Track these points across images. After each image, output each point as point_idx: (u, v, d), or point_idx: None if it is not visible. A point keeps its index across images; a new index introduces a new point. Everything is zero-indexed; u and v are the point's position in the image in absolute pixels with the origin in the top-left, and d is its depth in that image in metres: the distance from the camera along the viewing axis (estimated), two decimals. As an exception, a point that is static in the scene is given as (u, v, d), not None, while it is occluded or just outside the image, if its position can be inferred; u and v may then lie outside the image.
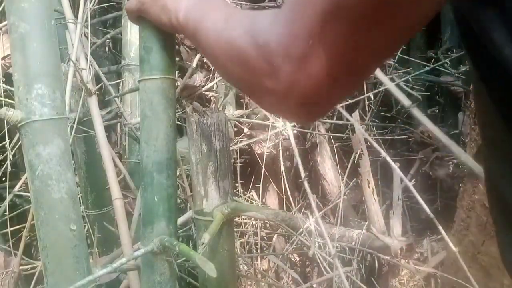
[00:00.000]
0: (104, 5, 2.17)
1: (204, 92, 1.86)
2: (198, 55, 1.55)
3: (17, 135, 1.17)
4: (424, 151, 2.36)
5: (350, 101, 1.82)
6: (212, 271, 0.74)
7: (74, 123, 1.26)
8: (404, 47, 2.29)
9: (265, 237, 2.15)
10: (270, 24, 0.47)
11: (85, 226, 1.25)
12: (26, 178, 0.97)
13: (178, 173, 1.17)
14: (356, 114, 1.85)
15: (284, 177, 1.81)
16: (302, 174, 1.30)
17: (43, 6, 0.94)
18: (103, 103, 2.01)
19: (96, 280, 0.91)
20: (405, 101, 1.05)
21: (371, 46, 0.42)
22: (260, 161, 1.98)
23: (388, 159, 1.28)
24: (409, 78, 2.17)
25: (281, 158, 1.88)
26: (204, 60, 1.90)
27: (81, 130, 1.37)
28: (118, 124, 1.96)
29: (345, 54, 0.43)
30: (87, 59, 1.28)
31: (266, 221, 2.01)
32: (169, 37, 0.82)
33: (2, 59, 1.53)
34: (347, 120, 1.78)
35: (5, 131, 1.52)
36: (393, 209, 1.77)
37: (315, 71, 0.44)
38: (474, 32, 0.39)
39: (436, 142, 2.38)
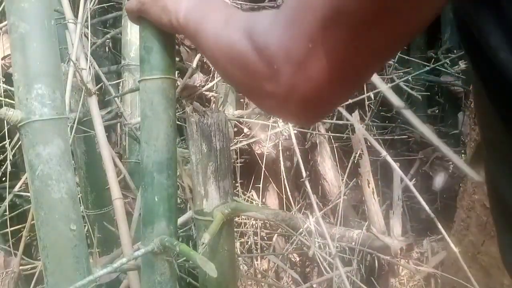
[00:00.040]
0: (104, 5, 2.17)
1: (204, 92, 1.86)
2: (198, 55, 1.55)
3: (17, 135, 1.17)
4: (424, 151, 2.37)
5: (350, 101, 1.82)
6: (213, 271, 0.74)
7: (74, 123, 1.26)
8: (404, 47, 2.30)
9: (265, 237, 2.15)
10: (270, 27, 0.47)
11: (85, 226, 1.25)
12: (26, 178, 0.97)
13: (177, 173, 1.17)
14: (356, 114, 1.85)
15: (284, 177, 1.81)
16: (304, 174, 1.30)
17: (43, 6, 0.94)
18: (103, 103, 2.01)
19: (96, 280, 0.91)
20: (397, 102, 1.04)
21: (370, 50, 0.42)
22: (260, 161, 1.98)
23: (389, 158, 1.28)
24: (409, 78, 2.17)
25: (281, 158, 1.88)
26: (204, 60, 1.90)
27: (81, 130, 1.37)
28: (118, 124, 1.95)
29: (345, 58, 0.43)
30: (87, 59, 1.28)
31: (266, 221, 2.01)
32: (169, 37, 0.82)
33: (2, 59, 1.53)
34: (347, 120, 1.78)
35: (5, 131, 1.52)
36: (393, 209, 1.77)
37: (315, 74, 0.44)
38: (472, 34, 0.39)
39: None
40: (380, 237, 1.71)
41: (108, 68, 2.21)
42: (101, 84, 1.60)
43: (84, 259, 0.95)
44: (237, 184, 2.05)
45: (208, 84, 1.87)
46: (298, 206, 2.06)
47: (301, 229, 1.62)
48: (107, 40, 2.09)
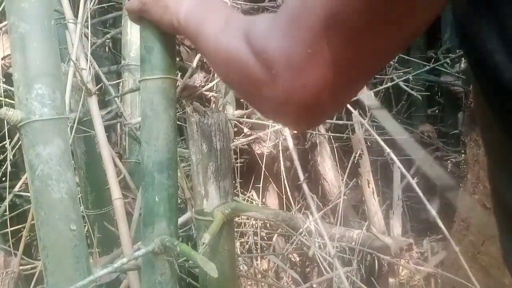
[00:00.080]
0: (104, 5, 2.17)
1: (204, 92, 1.86)
2: (198, 55, 1.55)
3: (17, 135, 1.17)
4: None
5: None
6: (213, 271, 0.74)
7: (74, 123, 1.26)
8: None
9: (265, 237, 2.15)
10: (268, 31, 0.47)
11: (85, 226, 1.25)
12: (26, 178, 0.97)
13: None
14: (356, 114, 1.85)
15: (284, 177, 1.81)
16: (301, 177, 1.30)
17: (43, 6, 0.94)
18: (103, 103, 2.01)
19: (96, 280, 0.91)
20: (368, 101, 1.04)
21: (368, 56, 0.43)
22: (260, 161, 1.98)
23: (392, 155, 1.28)
24: (409, 78, 2.17)
25: (281, 158, 1.88)
26: (204, 60, 1.90)
27: (81, 130, 1.37)
28: (118, 124, 1.95)
29: (342, 64, 0.43)
30: (87, 59, 1.28)
31: (266, 221, 2.01)
32: (170, 37, 0.82)
33: (2, 59, 1.53)
34: (347, 120, 1.78)
35: (5, 131, 1.52)
36: (393, 209, 1.77)
37: (312, 79, 0.44)
38: (470, 36, 0.39)
39: (436, 142, 2.38)
40: (380, 237, 1.71)
41: (108, 68, 2.21)
42: (101, 84, 1.60)
43: (84, 259, 0.95)
44: (237, 184, 2.05)
45: (208, 84, 1.87)
46: (298, 206, 2.06)
47: (301, 229, 1.62)
48: (107, 40, 2.09)
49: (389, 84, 2.07)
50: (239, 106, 2.05)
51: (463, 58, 2.37)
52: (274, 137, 1.97)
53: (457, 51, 2.43)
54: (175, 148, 0.85)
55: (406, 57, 2.43)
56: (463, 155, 2.30)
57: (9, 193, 1.52)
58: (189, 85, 1.73)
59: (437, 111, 2.83)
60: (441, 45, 2.64)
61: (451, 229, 1.52)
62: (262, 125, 1.96)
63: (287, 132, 1.57)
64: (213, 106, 1.91)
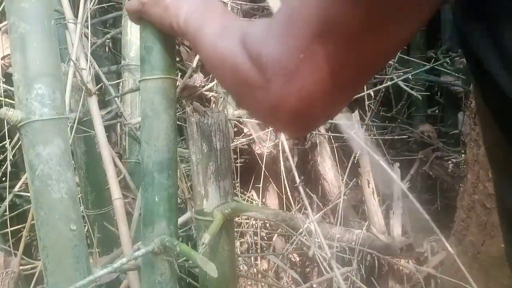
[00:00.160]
0: (104, 5, 2.17)
1: (204, 92, 1.86)
2: (198, 55, 1.55)
3: (17, 135, 1.17)
4: (424, 151, 2.37)
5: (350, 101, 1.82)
6: (213, 271, 0.74)
7: (74, 123, 1.26)
8: (404, 47, 2.30)
9: (265, 237, 2.15)
10: (263, 37, 0.47)
11: (85, 226, 1.25)
12: (26, 178, 0.97)
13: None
14: (356, 114, 1.85)
15: (284, 177, 1.81)
16: (297, 179, 1.30)
17: (43, 6, 0.94)
18: (103, 103, 2.01)
19: (96, 280, 0.91)
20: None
21: (361, 62, 0.43)
22: (260, 161, 1.98)
23: (383, 164, 1.28)
24: (409, 78, 2.17)
25: (281, 158, 1.88)
26: (204, 61, 1.90)
27: (81, 130, 1.37)
28: (118, 124, 1.95)
29: (335, 70, 0.43)
30: (87, 59, 1.28)
31: (266, 221, 2.01)
32: (169, 37, 0.82)
33: (2, 59, 1.53)
34: (348, 120, 1.78)
35: (5, 131, 1.52)
36: (393, 209, 1.77)
37: (305, 85, 0.44)
38: (468, 44, 0.39)
39: (436, 142, 2.39)
40: (380, 237, 1.71)
41: (108, 68, 2.21)
42: (101, 84, 1.60)
43: (84, 259, 0.95)
44: (237, 184, 2.05)
45: (208, 84, 1.87)
46: (298, 206, 2.06)
47: (301, 229, 1.62)
48: (107, 40, 2.08)
49: (389, 84, 2.07)
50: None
51: (462, 58, 2.38)
52: (274, 137, 1.97)
53: (458, 51, 2.43)
54: (175, 148, 0.85)
55: (406, 57, 2.44)
56: (463, 155, 2.30)
57: (9, 193, 1.52)
58: (189, 85, 1.73)
59: (437, 111, 2.83)
60: (441, 45, 2.64)
61: (451, 229, 1.52)
62: (262, 125, 1.96)
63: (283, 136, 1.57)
64: (213, 106, 1.91)
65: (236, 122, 1.98)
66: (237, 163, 2.05)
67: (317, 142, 2.10)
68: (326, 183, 2.11)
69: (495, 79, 0.36)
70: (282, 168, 1.81)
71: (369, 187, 1.80)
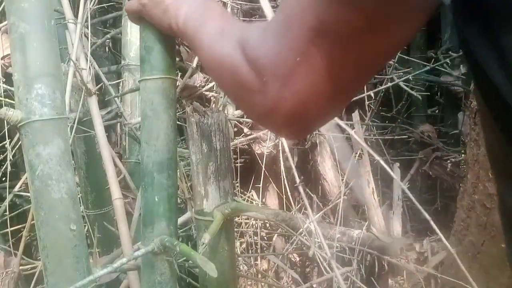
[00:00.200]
0: (104, 5, 2.17)
1: (204, 92, 1.86)
2: (198, 55, 1.55)
3: (17, 135, 1.17)
4: (424, 151, 2.37)
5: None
6: (213, 271, 0.74)
7: (74, 123, 1.26)
8: (404, 47, 2.30)
9: (265, 237, 2.15)
10: (260, 40, 0.48)
11: (85, 226, 1.25)
12: (26, 178, 0.97)
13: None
14: (356, 114, 1.85)
15: (284, 177, 1.81)
16: (297, 179, 1.30)
17: (43, 6, 0.94)
18: (103, 103, 2.01)
19: (96, 280, 0.91)
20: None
21: (357, 65, 0.43)
22: (260, 161, 1.98)
23: (382, 163, 1.28)
24: (409, 78, 2.17)
25: (281, 158, 1.88)
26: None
27: (81, 130, 1.37)
28: (118, 124, 1.95)
29: (331, 73, 0.43)
30: (87, 59, 1.28)
31: (266, 221, 2.01)
32: (169, 37, 0.82)
33: (2, 59, 1.53)
34: (347, 120, 1.78)
35: (5, 131, 1.52)
36: (393, 209, 1.77)
37: (301, 88, 0.44)
38: (469, 49, 0.39)
39: (436, 142, 2.39)
40: (380, 237, 1.71)
41: (108, 68, 2.21)
42: (101, 84, 1.60)
43: (84, 259, 0.95)
44: (237, 184, 2.05)
45: (208, 84, 1.87)
46: (298, 206, 2.06)
47: (301, 229, 1.62)
48: (107, 40, 2.08)
49: (389, 84, 2.07)
50: (239, 106, 2.05)
51: (463, 59, 2.38)
52: (274, 137, 1.97)
53: (459, 51, 2.43)
54: (175, 148, 0.85)
55: (406, 57, 2.44)
56: (463, 155, 2.30)
57: (9, 193, 1.52)
58: (189, 85, 1.73)
59: (437, 111, 2.83)
60: (441, 45, 2.64)
61: (451, 229, 1.52)
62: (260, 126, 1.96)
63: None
64: (213, 106, 1.91)
65: (236, 122, 1.98)
66: (237, 163, 2.05)
67: (317, 142, 2.10)
68: (326, 183, 2.11)
69: (496, 86, 0.36)
70: (282, 168, 1.81)
71: (369, 187, 1.80)
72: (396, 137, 2.39)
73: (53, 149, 0.92)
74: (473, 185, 1.37)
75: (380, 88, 2.05)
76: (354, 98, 1.90)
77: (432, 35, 2.70)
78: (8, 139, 1.47)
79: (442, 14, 2.55)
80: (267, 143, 1.97)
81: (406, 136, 2.44)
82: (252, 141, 2.00)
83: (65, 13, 1.29)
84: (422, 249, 1.68)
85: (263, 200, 2.16)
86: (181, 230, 1.76)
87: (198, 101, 1.83)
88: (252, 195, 2.15)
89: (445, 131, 2.59)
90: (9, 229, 1.52)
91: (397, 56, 2.06)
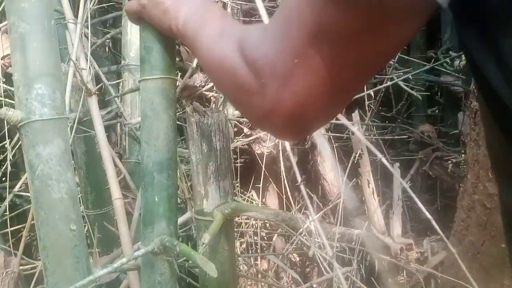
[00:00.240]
0: (104, 5, 2.17)
1: (204, 92, 1.86)
2: (198, 55, 1.55)
3: (17, 135, 1.17)
4: (424, 151, 2.37)
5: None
6: (213, 271, 0.74)
7: (74, 123, 1.26)
8: (404, 47, 2.30)
9: (265, 237, 2.15)
10: (258, 41, 0.48)
11: (85, 226, 1.25)
12: (26, 178, 0.97)
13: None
14: (356, 114, 1.85)
15: (284, 177, 1.81)
16: (299, 178, 1.30)
17: (43, 6, 0.94)
18: (103, 103, 2.01)
19: (96, 280, 0.91)
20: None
21: (355, 66, 0.43)
22: (260, 161, 1.98)
23: (385, 161, 1.28)
24: (409, 78, 2.17)
25: (281, 158, 1.88)
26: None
27: (81, 130, 1.37)
28: (118, 124, 1.95)
29: (329, 74, 0.43)
30: (87, 59, 1.28)
31: (266, 221, 2.01)
32: (169, 37, 0.82)
33: (2, 59, 1.53)
34: (348, 120, 1.78)
35: (5, 131, 1.52)
36: (393, 209, 1.77)
37: (300, 89, 0.44)
38: (469, 53, 0.39)
39: (436, 142, 2.39)
40: (380, 237, 1.71)
41: (108, 68, 2.21)
42: (101, 84, 1.60)
43: (84, 259, 0.95)
44: (237, 184, 2.05)
45: (208, 84, 1.87)
46: (298, 206, 2.06)
47: (301, 229, 1.62)
48: (107, 40, 2.08)
49: (389, 84, 2.07)
50: (239, 106, 2.05)
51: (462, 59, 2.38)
52: (274, 137, 1.97)
53: (460, 52, 2.43)
54: (175, 148, 0.85)
55: (406, 57, 2.44)
56: (463, 155, 2.30)
57: (9, 193, 1.52)
58: (189, 85, 1.73)
59: (437, 111, 2.83)
60: (441, 45, 2.64)
61: (451, 229, 1.52)
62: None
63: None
64: (213, 106, 1.91)
65: (236, 122, 1.98)
66: (237, 163, 2.05)
67: (317, 142, 2.10)
68: (326, 183, 2.11)
69: (495, 90, 0.36)
70: (282, 168, 1.81)
71: (369, 187, 1.80)
72: (396, 137, 2.39)
73: (53, 149, 0.92)
74: (473, 185, 1.37)
75: (380, 87, 2.05)
76: (354, 98, 1.90)
77: (432, 35, 2.70)
78: (8, 139, 1.47)
79: (442, 14, 2.55)
80: (267, 143, 1.97)
81: (406, 136, 2.44)
82: (252, 141, 2.00)
83: (65, 13, 1.29)
84: (422, 249, 1.68)
85: (263, 200, 2.16)
86: (181, 230, 1.76)
87: (198, 101, 1.83)
88: (252, 195, 2.15)
89: (445, 131, 2.59)
90: (9, 229, 1.52)
91: (397, 56, 2.06)
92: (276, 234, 2.11)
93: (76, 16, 1.31)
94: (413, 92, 2.13)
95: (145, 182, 0.83)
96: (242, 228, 2.09)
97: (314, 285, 1.73)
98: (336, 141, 2.14)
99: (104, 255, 1.47)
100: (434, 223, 1.15)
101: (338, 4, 0.39)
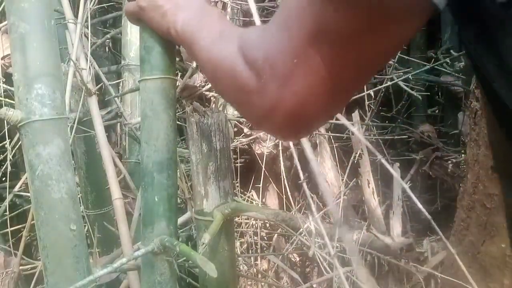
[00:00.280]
0: (104, 5, 2.17)
1: (204, 92, 1.86)
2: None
3: (17, 135, 1.17)
4: (424, 151, 2.37)
5: (350, 100, 1.82)
6: (213, 271, 0.74)
7: (74, 123, 1.26)
8: (404, 47, 2.30)
9: (265, 237, 2.15)
10: (258, 41, 0.48)
11: (85, 226, 1.25)
12: (26, 178, 0.97)
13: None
14: (356, 114, 1.85)
15: (284, 177, 1.81)
16: (301, 176, 1.30)
17: (43, 6, 0.94)
18: (103, 103, 2.01)
19: (96, 280, 0.91)
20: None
21: (356, 65, 0.43)
22: (260, 161, 1.98)
23: (384, 162, 1.28)
24: (409, 78, 2.17)
25: (281, 158, 1.88)
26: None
27: (81, 130, 1.37)
28: (118, 124, 1.95)
29: (330, 73, 0.43)
30: (87, 59, 1.28)
31: (266, 221, 2.01)
32: (169, 37, 0.82)
33: (2, 59, 1.53)
34: (347, 120, 1.78)
35: (5, 131, 1.52)
36: (393, 209, 1.77)
37: (299, 89, 0.44)
38: (471, 54, 0.39)
39: (436, 142, 2.39)
40: (380, 237, 1.71)
41: (108, 68, 2.21)
42: (101, 84, 1.60)
43: (84, 259, 0.95)
44: (237, 184, 2.05)
45: (208, 84, 1.87)
46: (298, 206, 2.06)
47: (301, 229, 1.62)
48: (107, 40, 2.09)
49: (389, 84, 2.07)
50: (239, 106, 2.05)
51: (463, 59, 2.38)
52: (274, 137, 1.97)
53: (460, 52, 2.43)
54: (175, 148, 0.85)
55: (406, 57, 2.43)
56: (463, 155, 2.30)
57: (9, 193, 1.52)
58: (189, 85, 1.73)
59: (437, 111, 2.83)
60: (441, 45, 2.64)
61: (451, 229, 1.52)
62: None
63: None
64: (213, 106, 1.91)
65: (236, 122, 1.98)
66: (237, 163, 2.05)
67: (317, 142, 2.10)
68: (326, 183, 2.11)
69: (494, 89, 0.36)
70: (282, 168, 1.81)
71: (369, 187, 1.80)
72: (396, 137, 2.39)
73: (53, 149, 0.92)
74: (473, 185, 1.37)
75: (380, 87, 2.05)
76: (354, 98, 1.90)
77: (432, 35, 2.70)
78: (8, 139, 1.47)
79: (442, 14, 2.55)
80: (267, 143, 1.97)
81: (406, 136, 2.44)
82: (252, 141, 2.00)
83: (65, 13, 1.29)
84: (422, 249, 1.68)
85: (263, 200, 2.16)
86: (181, 230, 1.76)
87: (198, 101, 1.83)
88: (252, 195, 2.15)
89: (445, 131, 2.59)
90: (9, 229, 1.52)
91: (397, 56, 2.06)
92: (276, 234, 2.11)
93: (76, 16, 1.31)
94: (413, 92, 2.13)
95: (145, 182, 0.83)
96: (242, 228, 2.09)
97: (314, 285, 1.73)
98: (336, 141, 2.14)
99: (104, 255, 1.47)
100: (434, 223, 1.15)
101: (338, 4, 0.39)
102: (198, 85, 1.84)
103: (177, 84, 1.02)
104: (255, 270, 2.05)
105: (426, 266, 1.61)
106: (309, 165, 2.14)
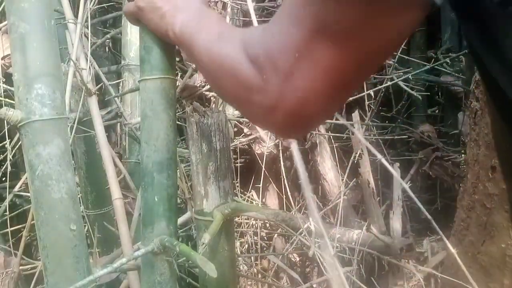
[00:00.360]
0: (104, 5, 2.17)
1: (204, 92, 1.86)
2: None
3: (17, 135, 1.17)
4: (424, 151, 2.37)
5: (350, 100, 1.82)
6: (213, 271, 0.74)
7: (74, 123, 1.26)
8: (404, 47, 2.30)
9: (265, 237, 2.15)
10: (260, 38, 0.48)
11: (85, 226, 1.25)
12: (26, 178, 0.97)
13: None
14: (356, 114, 1.85)
15: (284, 177, 1.81)
16: (301, 175, 1.30)
17: (43, 6, 0.94)
18: (103, 103, 2.01)
19: (96, 280, 0.91)
20: None
21: (356, 60, 0.43)
22: (260, 161, 1.98)
23: (384, 161, 1.28)
24: (409, 78, 2.17)
25: (281, 158, 1.88)
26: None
27: (81, 130, 1.37)
28: (118, 124, 1.95)
29: (330, 68, 0.43)
30: (87, 59, 1.28)
31: (266, 221, 2.01)
32: (169, 37, 0.82)
33: (2, 59, 1.53)
34: (347, 120, 1.78)
35: (5, 131, 1.52)
36: (393, 209, 1.77)
37: (301, 85, 0.44)
38: (474, 51, 0.39)
39: (436, 142, 2.39)
40: (380, 237, 1.71)
41: (108, 68, 2.21)
42: (101, 84, 1.60)
43: (84, 259, 0.95)
44: (237, 184, 2.05)
45: (208, 84, 1.87)
46: (298, 206, 2.06)
47: (301, 229, 1.61)
48: (107, 40, 2.09)
49: (389, 84, 2.07)
50: (239, 106, 2.04)
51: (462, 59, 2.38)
52: (274, 137, 1.97)
53: (460, 52, 2.43)
54: (175, 148, 0.85)
55: (406, 57, 2.43)
56: (463, 155, 2.30)
57: (9, 193, 1.52)
58: (189, 85, 1.73)
59: (437, 111, 2.83)
60: (441, 45, 2.64)
61: (451, 229, 1.52)
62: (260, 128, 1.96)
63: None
64: (213, 106, 1.91)
65: (236, 122, 1.98)
66: (237, 163, 2.05)
67: (317, 142, 2.10)
68: (326, 183, 2.11)
69: (496, 81, 0.36)
70: (282, 168, 1.81)
71: (369, 187, 1.80)
72: (396, 137, 2.39)
73: (53, 149, 0.92)
74: (473, 185, 1.37)
75: (380, 87, 2.05)
76: (354, 98, 1.91)
77: (432, 35, 2.70)
78: (8, 139, 1.47)
79: (442, 14, 2.55)
80: (267, 143, 1.97)
81: (406, 136, 2.44)
82: (252, 141, 2.00)
83: (65, 13, 1.29)
84: (422, 249, 1.68)
85: (263, 200, 2.16)
86: (181, 230, 1.76)
87: (198, 101, 1.83)
88: (252, 195, 2.15)
89: (445, 131, 2.59)
90: (9, 229, 1.52)
91: (397, 56, 2.06)
92: (276, 234, 2.11)
93: (76, 16, 1.31)
94: (413, 92, 2.13)
95: (145, 182, 0.83)
96: (242, 228, 2.09)
97: (314, 285, 1.73)
98: (336, 141, 2.14)
99: (104, 255, 1.47)
100: (434, 223, 1.15)
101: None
102: (198, 85, 1.84)
103: (177, 84, 1.02)
104: (255, 270, 2.05)
105: (426, 266, 1.62)
106: (309, 165, 2.14)
